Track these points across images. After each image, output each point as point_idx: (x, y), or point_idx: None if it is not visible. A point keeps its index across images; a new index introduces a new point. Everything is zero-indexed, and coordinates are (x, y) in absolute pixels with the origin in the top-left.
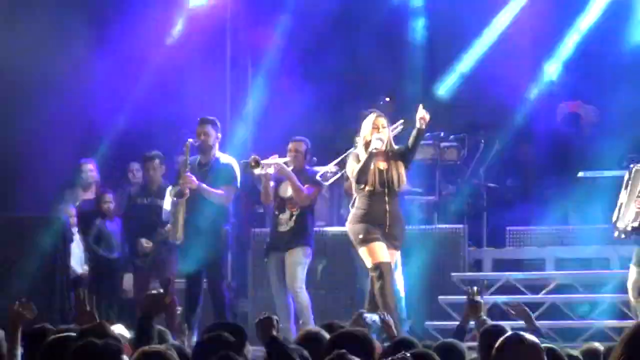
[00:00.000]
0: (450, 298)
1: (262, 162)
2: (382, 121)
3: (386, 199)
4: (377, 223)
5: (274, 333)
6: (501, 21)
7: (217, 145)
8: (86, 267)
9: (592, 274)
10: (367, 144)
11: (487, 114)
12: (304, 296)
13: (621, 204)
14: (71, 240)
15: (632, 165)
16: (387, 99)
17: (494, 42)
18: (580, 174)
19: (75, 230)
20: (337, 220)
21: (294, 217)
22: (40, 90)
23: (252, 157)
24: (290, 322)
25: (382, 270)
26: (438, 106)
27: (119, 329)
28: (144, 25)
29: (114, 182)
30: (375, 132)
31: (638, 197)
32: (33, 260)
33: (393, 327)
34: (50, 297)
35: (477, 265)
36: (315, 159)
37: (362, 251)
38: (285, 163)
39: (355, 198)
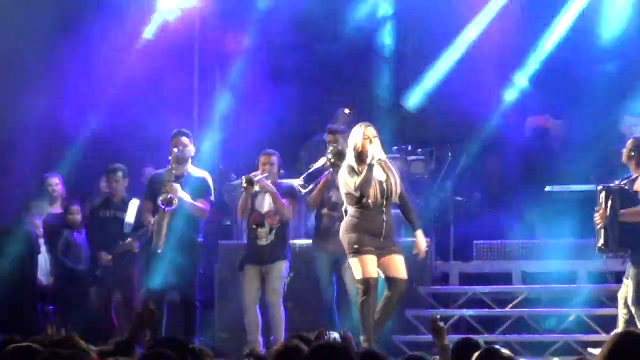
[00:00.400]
0: (417, 312)
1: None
2: (373, 131)
3: (384, 209)
4: (373, 234)
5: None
6: (470, 34)
7: (190, 159)
8: (52, 279)
9: (559, 288)
10: (359, 155)
11: (455, 128)
12: (282, 311)
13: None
14: (38, 252)
15: (599, 187)
16: (347, 111)
17: (463, 55)
18: (548, 188)
19: (41, 241)
20: (305, 233)
21: (274, 231)
22: (8, 99)
23: (245, 178)
24: (259, 334)
25: (369, 286)
26: (406, 119)
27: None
28: (113, 31)
29: (82, 193)
30: (368, 143)
31: (596, 212)
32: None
33: (353, 344)
34: (17, 308)
35: (444, 279)
36: (283, 171)
37: (354, 262)
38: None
39: (345, 208)
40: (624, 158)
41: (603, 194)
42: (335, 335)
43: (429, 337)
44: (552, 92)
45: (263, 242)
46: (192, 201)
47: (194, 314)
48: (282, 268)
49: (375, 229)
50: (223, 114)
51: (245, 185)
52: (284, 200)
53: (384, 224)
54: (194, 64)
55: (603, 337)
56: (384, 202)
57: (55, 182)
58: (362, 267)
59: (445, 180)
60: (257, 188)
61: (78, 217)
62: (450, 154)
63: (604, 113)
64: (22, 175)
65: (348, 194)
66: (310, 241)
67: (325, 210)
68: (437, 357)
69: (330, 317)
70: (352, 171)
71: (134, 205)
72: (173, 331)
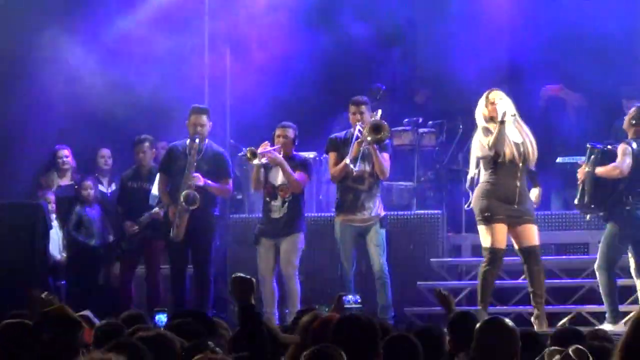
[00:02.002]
0: (429, 284)
1: (257, 152)
2: (498, 94)
3: (518, 174)
4: (507, 200)
5: (252, 299)
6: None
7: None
8: (64, 254)
9: (571, 259)
10: (491, 119)
11: (465, 99)
12: (297, 283)
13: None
14: (50, 227)
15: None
16: (382, 89)
17: (472, 22)
18: (559, 159)
19: (53, 216)
20: (316, 206)
21: (286, 204)
22: (17, 74)
23: (248, 149)
24: (275, 307)
25: (495, 256)
26: (415, 92)
27: (87, 313)
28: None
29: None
30: (491, 106)
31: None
32: (12, 247)
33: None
34: (29, 284)
35: (456, 251)
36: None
37: (482, 229)
38: (278, 150)
39: (478, 172)
40: (625, 124)
41: (588, 152)
42: (352, 297)
43: (440, 309)
44: (564, 60)
45: (276, 214)
46: (215, 185)
47: (208, 288)
48: (297, 240)
49: (509, 194)
50: (234, 89)
51: (248, 156)
52: (297, 173)
53: (518, 189)
54: (204, 40)
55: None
56: (520, 165)
57: (65, 154)
58: (491, 235)
59: (456, 152)
60: (263, 160)
61: (91, 192)
62: (460, 126)
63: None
64: (34, 152)
65: (483, 157)
66: (323, 214)
67: (349, 183)
68: None
69: (345, 290)
70: (487, 131)
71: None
72: (187, 305)
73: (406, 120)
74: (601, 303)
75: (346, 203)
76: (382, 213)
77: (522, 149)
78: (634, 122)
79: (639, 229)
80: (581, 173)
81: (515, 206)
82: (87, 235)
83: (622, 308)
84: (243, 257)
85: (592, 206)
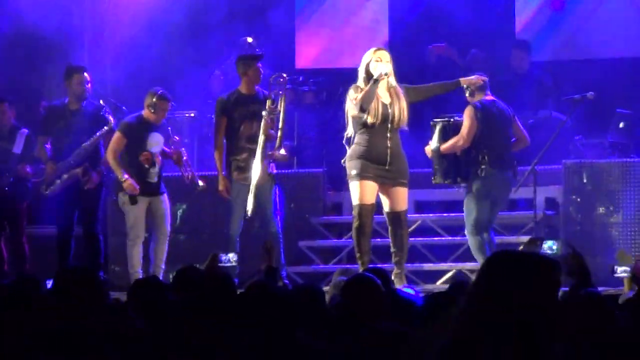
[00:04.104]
0: (309, 242)
1: None
2: (385, 54)
3: (388, 134)
4: (377, 160)
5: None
6: None
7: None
8: None
9: (452, 216)
10: (367, 75)
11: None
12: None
13: None
14: None
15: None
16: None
17: None
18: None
19: None
20: (197, 164)
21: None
22: None
23: None
24: None
25: (361, 212)
26: None
27: None
28: None
29: None
30: (374, 63)
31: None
32: None
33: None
34: None
35: (337, 209)
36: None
37: (352, 186)
38: None
39: (353, 136)
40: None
41: (432, 128)
42: (230, 256)
43: (322, 268)
44: None
45: (153, 179)
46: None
47: (98, 246)
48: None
49: (379, 155)
50: None
51: None
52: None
53: (388, 150)
54: None
55: None
56: (387, 126)
57: None
58: (359, 192)
59: (337, 111)
60: None
61: None
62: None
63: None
64: None
65: (354, 117)
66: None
67: (243, 143)
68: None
69: (230, 247)
70: (357, 88)
71: (21, 136)
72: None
73: (302, 79)
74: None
75: (241, 163)
76: (274, 171)
77: (389, 110)
78: (469, 90)
79: (496, 188)
80: (428, 151)
81: (387, 167)
82: None
83: None
84: (122, 216)
85: (448, 180)
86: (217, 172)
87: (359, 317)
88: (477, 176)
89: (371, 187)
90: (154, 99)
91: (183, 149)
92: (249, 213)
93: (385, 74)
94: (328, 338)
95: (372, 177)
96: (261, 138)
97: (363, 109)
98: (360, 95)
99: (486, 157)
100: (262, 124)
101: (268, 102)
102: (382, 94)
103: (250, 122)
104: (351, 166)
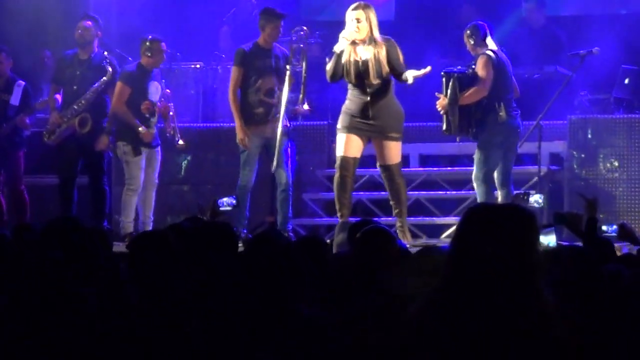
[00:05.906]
0: (314, 194)
1: None
2: (356, 14)
3: (367, 89)
4: (360, 115)
5: None
6: None
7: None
8: None
9: (458, 170)
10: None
11: None
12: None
13: None
14: None
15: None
16: None
17: None
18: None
19: None
20: (202, 116)
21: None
22: None
23: None
24: None
25: (342, 164)
26: None
27: None
28: None
29: None
30: (352, 22)
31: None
32: None
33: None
34: None
35: None
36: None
37: (337, 139)
38: None
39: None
40: (468, 47)
41: (444, 80)
42: (227, 200)
43: (325, 220)
44: None
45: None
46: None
47: (104, 197)
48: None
49: (361, 110)
50: None
51: None
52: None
53: (369, 104)
54: None
55: None
56: (364, 82)
57: None
58: (343, 145)
59: None
60: None
61: None
62: None
63: None
64: None
65: None
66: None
67: (260, 96)
68: None
69: (240, 198)
70: (331, 54)
71: (18, 87)
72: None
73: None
74: None
75: (258, 115)
76: (288, 124)
77: (362, 67)
78: (473, 39)
79: (510, 135)
80: (440, 105)
81: (372, 121)
82: None
83: None
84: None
85: (464, 132)
86: (235, 121)
87: (373, 271)
88: (494, 124)
89: (355, 140)
90: (148, 43)
91: (172, 104)
92: (273, 169)
93: (337, 51)
94: (331, 303)
95: (357, 130)
96: (285, 92)
97: (333, 80)
98: (327, 67)
99: (502, 105)
100: (287, 78)
101: (290, 56)
102: (360, 51)
103: (266, 76)
104: (339, 120)
